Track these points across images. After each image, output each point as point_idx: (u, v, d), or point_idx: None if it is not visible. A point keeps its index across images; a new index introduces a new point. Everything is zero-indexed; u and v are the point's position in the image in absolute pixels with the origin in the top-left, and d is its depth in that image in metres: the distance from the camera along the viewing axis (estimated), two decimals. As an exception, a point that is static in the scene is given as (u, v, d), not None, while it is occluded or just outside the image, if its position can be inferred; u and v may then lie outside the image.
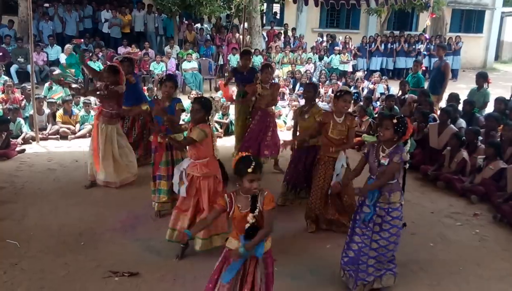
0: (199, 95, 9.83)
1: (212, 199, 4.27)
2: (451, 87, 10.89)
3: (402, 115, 4.09)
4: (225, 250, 3.33)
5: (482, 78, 8.68)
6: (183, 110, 5.48)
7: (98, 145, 6.05)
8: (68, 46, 13.19)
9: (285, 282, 3.82)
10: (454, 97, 8.54)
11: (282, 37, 17.67)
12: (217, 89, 12.28)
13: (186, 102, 10.26)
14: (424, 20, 18.33)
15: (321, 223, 5.19)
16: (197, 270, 4.28)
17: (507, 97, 8.35)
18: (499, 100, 7.99)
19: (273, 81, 7.21)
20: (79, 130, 8.87)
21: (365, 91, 12.72)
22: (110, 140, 6.05)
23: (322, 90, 12.69)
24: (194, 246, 4.45)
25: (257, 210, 3.11)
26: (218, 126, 9.27)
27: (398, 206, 3.84)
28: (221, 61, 15.88)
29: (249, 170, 3.06)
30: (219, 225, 4.36)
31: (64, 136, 8.67)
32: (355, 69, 16.71)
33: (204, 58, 14.90)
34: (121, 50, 14.66)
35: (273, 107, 6.88)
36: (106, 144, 6.03)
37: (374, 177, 3.87)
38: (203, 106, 4.26)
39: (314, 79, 13.86)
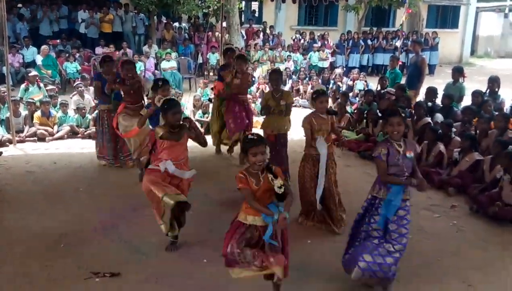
0: (174, 95, 9.83)
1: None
2: (428, 82, 11.06)
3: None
4: (235, 223, 3.53)
5: (457, 72, 8.83)
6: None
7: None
8: (44, 47, 13.01)
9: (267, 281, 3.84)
10: (432, 91, 8.68)
11: (261, 35, 17.70)
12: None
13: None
14: (401, 17, 18.61)
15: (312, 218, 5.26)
16: (181, 270, 4.28)
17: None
18: (476, 94, 8.14)
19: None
20: (57, 132, 8.77)
21: (344, 87, 12.84)
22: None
23: (301, 88, 12.81)
24: None
25: (278, 181, 3.30)
26: (199, 125, 9.23)
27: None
28: (200, 60, 15.84)
29: (252, 144, 3.30)
30: None
31: (41, 139, 8.56)
32: (333, 66, 16.85)
33: (183, 57, 14.85)
34: (99, 50, 14.52)
35: (246, 95, 7.34)
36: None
37: (403, 176, 3.75)
38: (180, 109, 4.49)
39: (294, 77, 13.93)
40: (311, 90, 11.99)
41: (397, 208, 3.76)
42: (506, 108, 8.26)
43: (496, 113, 7.40)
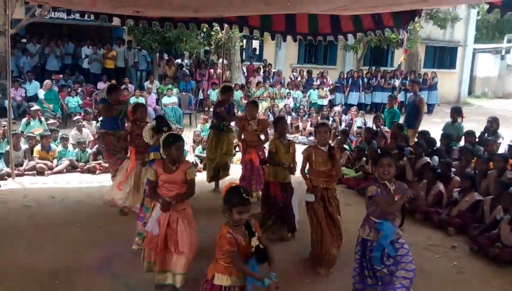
0: (174, 133, 9.86)
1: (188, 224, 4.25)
2: (426, 121, 11.17)
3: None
4: (210, 286, 3.30)
5: (456, 112, 8.93)
6: None
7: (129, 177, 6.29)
8: (47, 81, 13.17)
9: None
10: (421, 134, 8.69)
11: (261, 72, 17.95)
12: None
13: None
14: (399, 56, 18.93)
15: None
16: (175, 307, 4.20)
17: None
18: (469, 134, 8.25)
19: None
20: (56, 166, 8.76)
21: (343, 125, 12.94)
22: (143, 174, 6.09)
23: (300, 125, 12.90)
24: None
25: (255, 234, 3.17)
26: (198, 161, 9.26)
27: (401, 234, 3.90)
28: (201, 96, 16.01)
29: (241, 202, 3.11)
30: None
31: (40, 172, 8.54)
32: (332, 103, 17.02)
33: (184, 93, 15.01)
34: (101, 85, 14.67)
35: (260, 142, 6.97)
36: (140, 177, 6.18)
37: (387, 217, 3.82)
38: (182, 143, 4.27)
39: (294, 114, 14.05)
40: (310, 128, 12.14)
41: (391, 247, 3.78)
42: (505, 149, 8.29)
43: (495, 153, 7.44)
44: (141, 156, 6.17)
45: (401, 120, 10.13)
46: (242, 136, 6.93)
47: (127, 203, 6.37)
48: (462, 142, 8.72)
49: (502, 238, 5.59)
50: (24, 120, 10.43)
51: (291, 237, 5.79)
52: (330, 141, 5.89)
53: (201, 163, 9.29)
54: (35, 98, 13.21)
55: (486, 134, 8.57)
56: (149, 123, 5.58)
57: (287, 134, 6.19)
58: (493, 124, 8.52)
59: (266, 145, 6.37)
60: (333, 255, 5.01)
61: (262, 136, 6.88)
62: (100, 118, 7.68)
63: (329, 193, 5.04)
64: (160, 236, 4.18)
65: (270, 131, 7.37)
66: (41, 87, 13.31)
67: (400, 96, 16.95)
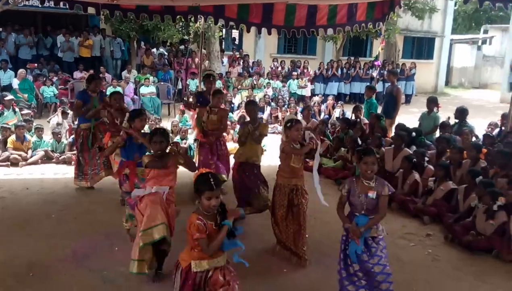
0: (159, 126, 9.79)
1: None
2: (404, 111, 11.28)
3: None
4: (185, 274, 3.29)
5: (432, 102, 9.03)
6: None
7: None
8: (21, 70, 12.88)
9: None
10: (398, 127, 8.73)
11: (241, 62, 17.88)
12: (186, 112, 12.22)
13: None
14: (378, 47, 19.06)
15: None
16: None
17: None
18: (445, 126, 8.42)
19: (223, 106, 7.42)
20: (31, 156, 8.60)
21: (322, 115, 13.01)
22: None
23: (279, 115, 12.91)
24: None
25: (230, 224, 3.18)
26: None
27: (383, 235, 3.93)
28: (179, 86, 15.87)
29: (207, 188, 3.09)
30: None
31: (15, 163, 8.37)
32: (313, 93, 17.06)
33: (162, 83, 14.85)
34: (77, 75, 14.45)
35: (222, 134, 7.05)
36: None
37: (362, 213, 3.87)
38: (165, 137, 4.36)
39: (273, 104, 14.05)
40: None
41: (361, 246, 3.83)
42: (479, 139, 8.43)
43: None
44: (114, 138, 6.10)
45: (379, 110, 10.20)
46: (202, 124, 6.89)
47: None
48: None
49: (477, 227, 5.70)
50: (-3, 110, 10.20)
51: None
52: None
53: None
54: (9, 88, 12.90)
55: (456, 125, 8.68)
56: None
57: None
58: (459, 115, 8.65)
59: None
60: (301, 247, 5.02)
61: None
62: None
63: (299, 187, 4.97)
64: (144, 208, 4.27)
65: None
66: (15, 76, 13.01)
67: (378, 87, 17.09)
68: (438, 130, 8.63)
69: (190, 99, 8.63)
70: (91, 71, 14.13)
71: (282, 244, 5.15)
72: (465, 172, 6.58)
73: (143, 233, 4.22)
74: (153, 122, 10.04)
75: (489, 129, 9.39)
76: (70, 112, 10.60)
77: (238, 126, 10.81)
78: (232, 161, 6.63)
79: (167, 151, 4.35)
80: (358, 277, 3.92)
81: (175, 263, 3.41)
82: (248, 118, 6.32)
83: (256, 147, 5.86)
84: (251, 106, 6.16)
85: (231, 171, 6.64)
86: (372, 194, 3.82)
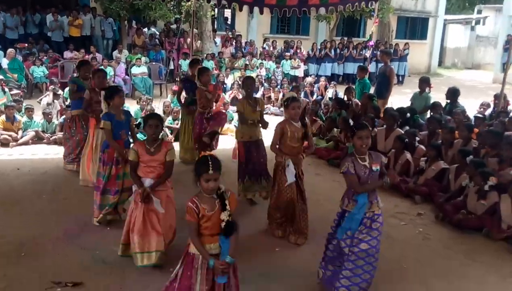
0: (150, 106, 9.73)
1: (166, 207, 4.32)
2: (396, 92, 11.27)
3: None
4: (188, 256, 3.29)
5: (424, 83, 9.02)
6: (137, 125, 5.49)
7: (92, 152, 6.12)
8: (10, 50, 12.68)
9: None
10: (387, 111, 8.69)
11: (233, 43, 17.71)
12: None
13: (135, 107, 10.15)
14: (371, 27, 18.96)
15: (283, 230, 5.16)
16: (144, 279, 4.20)
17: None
18: (436, 106, 8.43)
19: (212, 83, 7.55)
20: (22, 137, 8.52)
21: (315, 96, 12.97)
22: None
23: (272, 95, 12.87)
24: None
25: (227, 208, 3.14)
26: (168, 132, 9.16)
27: (380, 211, 3.90)
28: (171, 66, 15.72)
29: (205, 169, 3.09)
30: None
31: (5, 144, 8.29)
32: (305, 74, 16.99)
33: (154, 63, 14.70)
34: (67, 54, 14.26)
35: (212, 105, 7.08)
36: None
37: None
38: (161, 122, 4.35)
39: (266, 84, 13.98)
40: (282, 98, 12.12)
41: (360, 220, 3.80)
42: (470, 120, 8.45)
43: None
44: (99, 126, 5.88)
45: (372, 91, 10.18)
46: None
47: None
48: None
49: (468, 206, 5.75)
50: (-14, 90, 10.07)
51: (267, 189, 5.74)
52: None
53: (171, 133, 9.20)
54: (-3, 67, 12.73)
55: (448, 105, 8.69)
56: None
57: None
58: (450, 95, 8.66)
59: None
60: (305, 225, 5.05)
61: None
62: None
63: (299, 168, 5.01)
64: (138, 217, 4.26)
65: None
66: (4, 56, 12.81)
67: (371, 67, 17.04)
68: (429, 110, 8.65)
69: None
70: (82, 51, 14.04)
71: (278, 224, 5.15)
72: (456, 152, 6.61)
73: (138, 254, 4.28)
74: (144, 102, 9.95)
75: (481, 109, 9.42)
76: (61, 93, 10.50)
77: (231, 107, 10.79)
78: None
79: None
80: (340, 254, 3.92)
81: None
82: (240, 95, 6.35)
83: (256, 126, 5.88)
84: (250, 80, 6.09)
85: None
86: (376, 167, 3.80)
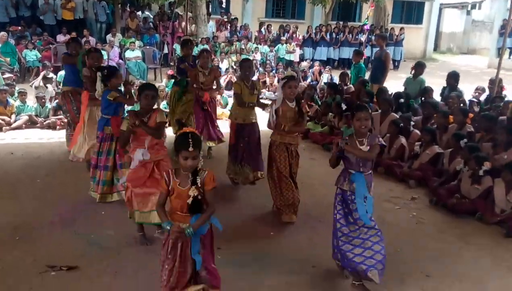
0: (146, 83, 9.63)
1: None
2: (392, 76, 11.23)
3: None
4: (166, 234, 3.26)
5: (420, 67, 8.98)
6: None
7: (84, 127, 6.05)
8: (2, 33, 12.52)
9: (229, 271, 3.81)
10: (380, 91, 8.74)
11: (228, 27, 17.57)
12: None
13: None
14: (367, 11, 18.85)
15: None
16: (140, 262, 4.20)
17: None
18: (428, 91, 8.47)
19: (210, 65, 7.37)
20: (15, 121, 8.45)
21: (309, 80, 12.94)
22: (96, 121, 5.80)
23: (267, 80, 12.80)
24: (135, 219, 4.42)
25: (198, 184, 3.07)
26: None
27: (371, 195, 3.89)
28: (165, 50, 15.59)
29: (185, 146, 3.01)
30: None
31: (-2, 128, 8.25)
32: (301, 58, 16.91)
33: (148, 47, 14.56)
34: (60, 38, 14.10)
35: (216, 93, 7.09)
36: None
37: (359, 170, 3.80)
38: (157, 93, 4.34)
39: (261, 69, 13.91)
40: (277, 83, 12.08)
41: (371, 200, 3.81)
42: (466, 104, 8.46)
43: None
44: (93, 102, 5.86)
45: (367, 75, 10.15)
46: (195, 85, 6.83)
47: (81, 154, 6.13)
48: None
49: (462, 190, 5.78)
50: (-22, 74, 9.97)
51: (261, 175, 5.73)
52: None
53: (166, 117, 9.11)
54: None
55: (446, 90, 8.69)
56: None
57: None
58: (450, 80, 8.64)
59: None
60: (296, 199, 5.05)
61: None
62: (62, 72, 7.33)
63: (293, 148, 5.01)
64: (142, 179, 4.30)
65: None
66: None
67: (367, 52, 16.98)
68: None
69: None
70: (74, 34, 13.86)
71: (283, 205, 5.10)
72: (450, 136, 6.62)
73: (139, 213, 4.32)
74: (137, 87, 9.84)
75: (476, 94, 9.41)
76: (54, 76, 10.41)
77: (226, 92, 10.73)
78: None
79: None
80: (354, 236, 3.89)
81: None
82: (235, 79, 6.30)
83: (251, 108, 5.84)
84: (248, 63, 5.98)
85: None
86: (364, 148, 3.77)
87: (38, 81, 9.99)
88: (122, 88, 5.54)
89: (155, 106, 4.39)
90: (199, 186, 3.07)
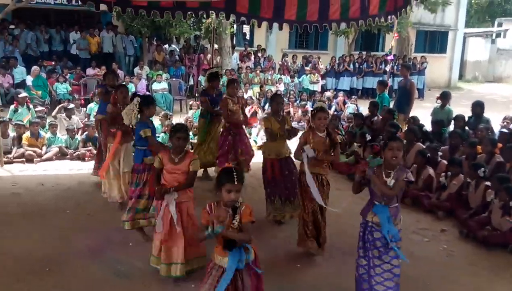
0: (181, 123, 9.81)
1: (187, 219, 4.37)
2: (416, 106, 11.13)
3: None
4: (211, 264, 3.34)
5: (445, 97, 8.93)
6: None
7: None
8: (35, 67, 12.99)
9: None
10: (412, 119, 8.75)
11: (252, 58, 17.83)
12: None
13: (156, 122, 10.25)
14: (390, 41, 18.91)
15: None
16: (167, 293, 4.21)
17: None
18: (458, 118, 8.31)
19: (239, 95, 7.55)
20: (46, 153, 8.68)
21: (333, 109, 12.96)
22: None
23: (291, 110, 12.87)
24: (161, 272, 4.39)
25: (236, 220, 3.15)
26: (189, 147, 9.22)
27: (400, 228, 3.83)
28: (191, 82, 15.90)
29: (229, 180, 3.12)
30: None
31: (30, 160, 8.46)
32: (324, 89, 16.99)
33: (174, 79, 14.89)
34: (90, 71, 14.54)
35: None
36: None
37: (379, 201, 3.77)
38: (188, 135, 4.42)
39: (285, 99, 14.01)
40: (300, 115, 12.16)
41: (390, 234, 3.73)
42: (496, 134, 8.32)
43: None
44: (125, 139, 5.94)
45: (391, 105, 10.10)
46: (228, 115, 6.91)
47: (115, 193, 6.17)
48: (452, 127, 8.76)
49: (493, 222, 5.65)
50: (12, 107, 10.31)
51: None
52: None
53: (192, 149, 9.25)
54: (22, 85, 13.03)
55: (472, 119, 8.58)
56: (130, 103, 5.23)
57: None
58: (476, 109, 8.53)
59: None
60: (324, 234, 5.00)
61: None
62: (91, 105, 7.52)
63: (323, 177, 4.95)
64: (165, 229, 4.30)
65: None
66: (27, 73, 13.12)
67: (390, 81, 16.95)
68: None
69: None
70: (104, 68, 14.30)
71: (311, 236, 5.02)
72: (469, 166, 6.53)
73: (164, 266, 4.34)
74: (162, 118, 10.05)
75: (504, 123, 9.26)
76: (82, 110, 10.69)
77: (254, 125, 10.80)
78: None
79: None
80: (374, 264, 3.82)
81: None
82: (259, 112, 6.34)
83: (283, 140, 5.81)
84: (279, 98, 5.92)
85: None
86: (390, 181, 3.69)
87: (55, 111, 10.27)
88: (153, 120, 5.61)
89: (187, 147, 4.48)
90: (238, 221, 3.17)
